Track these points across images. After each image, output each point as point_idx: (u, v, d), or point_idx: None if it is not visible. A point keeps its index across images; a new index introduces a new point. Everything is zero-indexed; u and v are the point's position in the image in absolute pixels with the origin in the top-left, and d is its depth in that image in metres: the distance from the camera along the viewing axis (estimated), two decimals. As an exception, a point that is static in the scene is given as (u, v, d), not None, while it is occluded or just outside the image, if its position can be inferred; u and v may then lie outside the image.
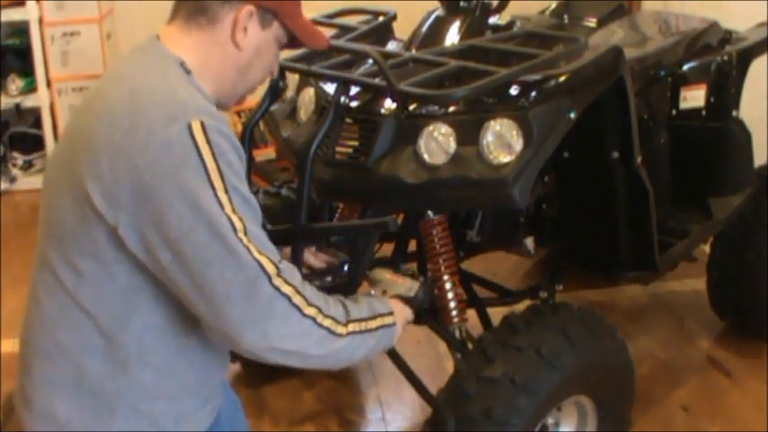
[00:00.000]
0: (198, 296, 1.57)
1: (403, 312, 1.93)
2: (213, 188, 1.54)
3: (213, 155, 1.55)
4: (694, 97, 2.95)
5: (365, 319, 1.76)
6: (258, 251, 1.57)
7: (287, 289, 1.60)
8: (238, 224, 1.56)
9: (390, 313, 1.85)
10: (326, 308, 1.67)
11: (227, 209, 1.55)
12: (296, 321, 1.61)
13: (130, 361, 1.67)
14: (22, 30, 4.66)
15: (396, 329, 1.87)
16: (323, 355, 1.68)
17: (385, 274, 2.06)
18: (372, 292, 2.04)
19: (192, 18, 1.71)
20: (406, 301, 2.00)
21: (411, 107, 2.27)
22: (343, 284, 2.35)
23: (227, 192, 1.55)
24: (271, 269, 1.58)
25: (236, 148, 1.61)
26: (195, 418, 1.80)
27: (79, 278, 1.64)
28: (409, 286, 2.03)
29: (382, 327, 1.81)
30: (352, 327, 1.72)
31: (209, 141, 1.55)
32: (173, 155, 1.54)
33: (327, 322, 1.66)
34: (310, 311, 1.63)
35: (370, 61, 2.26)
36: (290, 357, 1.66)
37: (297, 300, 1.61)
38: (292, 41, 1.84)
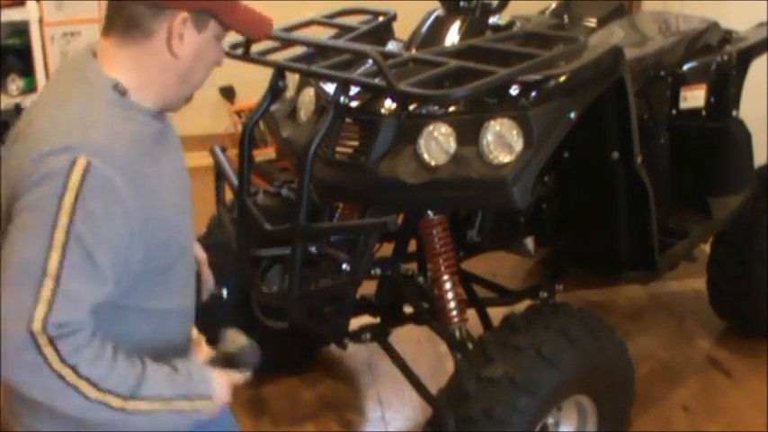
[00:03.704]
0: None
1: (222, 390, 1.74)
2: (54, 224, 1.51)
3: (76, 196, 1.52)
4: (694, 97, 2.95)
5: (166, 400, 1.62)
6: (48, 303, 1.50)
7: (45, 347, 1.50)
8: (52, 269, 1.50)
9: (208, 396, 1.69)
10: (101, 377, 1.54)
11: (54, 251, 1.51)
12: (43, 377, 1.52)
13: None
14: (22, 30, 4.66)
15: (206, 413, 1.70)
16: (91, 415, 1.57)
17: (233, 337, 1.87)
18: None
19: (127, 33, 1.69)
20: (232, 359, 1.83)
21: (411, 107, 2.27)
22: (342, 285, 2.36)
23: (66, 234, 1.51)
24: (37, 324, 1.49)
25: (115, 202, 1.55)
26: None
27: None
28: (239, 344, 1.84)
29: (182, 412, 1.65)
30: (141, 404, 1.59)
31: (81, 183, 1.52)
32: (43, 178, 1.53)
33: (92, 392, 1.54)
34: (64, 372, 1.52)
35: (370, 61, 2.26)
36: (47, 404, 1.58)
37: (51, 359, 1.51)
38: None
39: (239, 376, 1.80)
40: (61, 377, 1.52)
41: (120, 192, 1.56)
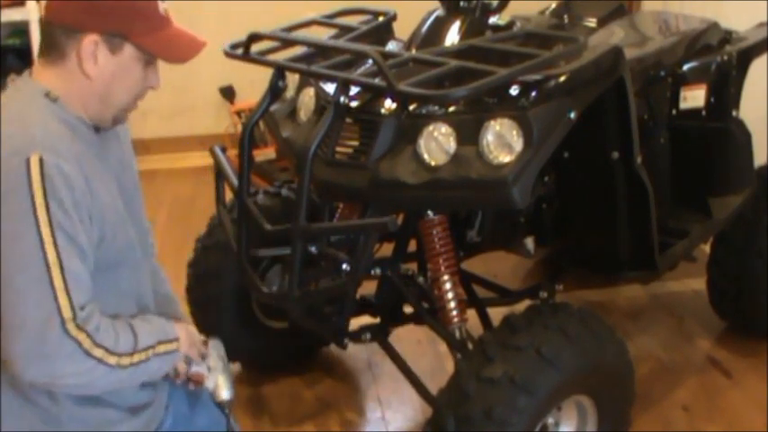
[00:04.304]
0: None
1: (188, 337, 1.92)
2: (36, 222, 1.60)
3: (44, 190, 1.60)
4: (694, 97, 2.95)
5: (151, 347, 1.77)
6: (64, 290, 1.62)
7: (77, 334, 1.63)
8: (52, 258, 1.61)
9: (176, 339, 1.85)
10: (115, 345, 1.69)
11: (47, 244, 1.61)
12: (81, 362, 1.65)
13: None
14: (22, 30, 4.66)
15: (178, 356, 1.87)
16: (107, 384, 1.74)
17: (219, 357, 2.00)
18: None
19: (48, 53, 1.75)
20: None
21: (411, 107, 2.27)
22: (342, 285, 2.36)
23: (50, 227, 1.61)
24: (67, 313, 1.62)
25: (72, 188, 1.64)
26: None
27: None
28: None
29: (166, 353, 1.82)
30: (137, 357, 1.74)
31: (42, 177, 1.60)
32: (5, 184, 1.61)
33: (112, 360, 1.69)
34: (96, 353, 1.66)
35: (370, 61, 2.26)
36: (73, 389, 1.73)
37: (86, 344, 1.65)
38: None
39: (193, 329, 1.97)
40: (93, 357, 1.65)
41: (73, 179, 1.65)
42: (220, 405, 1.98)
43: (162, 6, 1.79)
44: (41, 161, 1.61)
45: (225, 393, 1.97)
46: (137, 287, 1.91)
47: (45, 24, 1.76)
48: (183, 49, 1.82)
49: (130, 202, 1.88)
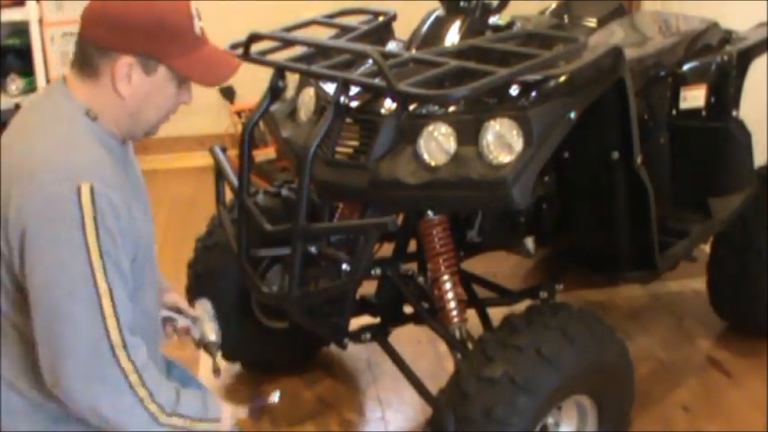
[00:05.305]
0: (45, 341, 1.66)
1: (227, 420, 1.90)
2: (87, 249, 1.63)
3: (95, 220, 1.63)
4: (694, 97, 2.95)
5: (191, 418, 1.78)
6: (114, 317, 1.65)
7: (125, 363, 1.67)
8: (103, 287, 1.64)
9: (217, 420, 1.85)
10: (158, 394, 1.71)
11: (98, 272, 1.64)
12: (124, 395, 1.68)
13: None
14: (22, 30, 4.66)
15: None
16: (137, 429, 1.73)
17: (205, 310, 2.12)
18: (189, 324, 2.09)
19: (82, 69, 1.76)
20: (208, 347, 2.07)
21: (411, 107, 2.27)
22: (342, 285, 2.36)
23: (100, 255, 1.64)
24: (117, 339, 1.65)
25: (119, 217, 1.67)
26: None
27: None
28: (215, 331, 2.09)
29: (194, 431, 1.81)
30: (175, 420, 1.75)
31: (94, 206, 1.63)
32: (53, 210, 1.63)
33: (153, 407, 1.71)
34: (141, 392, 1.69)
35: (371, 61, 2.26)
36: (106, 424, 1.72)
37: (132, 378, 1.68)
38: None
39: (242, 410, 1.95)
40: (136, 395, 1.68)
41: (119, 208, 1.67)
42: (207, 346, 2.06)
43: (198, 25, 1.79)
44: (92, 190, 1.63)
45: (212, 336, 2.07)
46: (155, 304, 1.94)
47: (80, 41, 1.76)
48: (217, 71, 1.83)
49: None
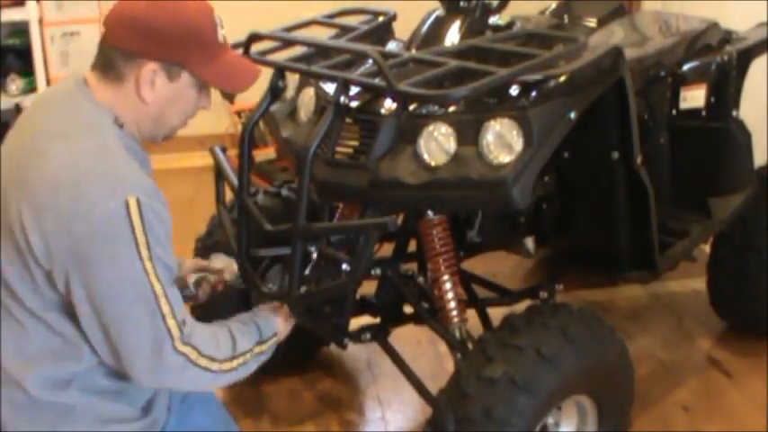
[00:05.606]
0: (108, 347, 1.77)
1: (283, 324, 2.14)
2: (141, 258, 1.72)
3: (144, 230, 1.71)
4: (694, 97, 2.95)
5: (250, 350, 1.97)
6: (171, 314, 1.77)
7: (185, 349, 1.80)
8: (158, 289, 1.74)
9: (274, 335, 2.07)
10: (217, 352, 1.87)
11: (152, 276, 1.73)
12: (188, 370, 1.82)
13: None
14: (22, 30, 4.66)
15: (273, 348, 2.08)
16: (212, 384, 1.94)
17: (222, 260, 2.39)
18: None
19: (105, 73, 1.79)
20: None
21: (411, 107, 2.27)
22: (342, 285, 2.36)
23: (151, 261, 1.73)
24: (176, 333, 1.77)
25: (163, 222, 1.77)
26: None
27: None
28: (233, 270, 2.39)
29: (262, 353, 2.02)
30: (236, 362, 1.93)
31: (142, 218, 1.71)
32: (109, 228, 1.68)
33: (215, 366, 1.86)
34: (202, 362, 1.83)
35: (371, 61, 2.26)
36: (181, 388, 1.98)
37: (192, 356, 1.81)
38: None
39: (287, 310, 2.18)
40: (200, 366, 1.82)
41: (162, 214, 1.76)
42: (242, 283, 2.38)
43: (221, 33, 1.83)
44: (138, 203, 1.69)
45: (228, 276, 2.37)
46: None
47: (104, 45, 1.78)
48: (240, 78, 1.90)
49: None
